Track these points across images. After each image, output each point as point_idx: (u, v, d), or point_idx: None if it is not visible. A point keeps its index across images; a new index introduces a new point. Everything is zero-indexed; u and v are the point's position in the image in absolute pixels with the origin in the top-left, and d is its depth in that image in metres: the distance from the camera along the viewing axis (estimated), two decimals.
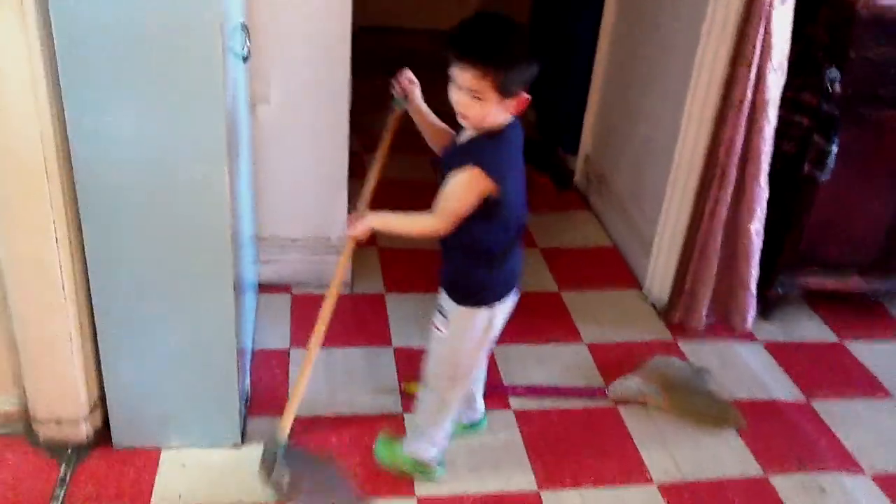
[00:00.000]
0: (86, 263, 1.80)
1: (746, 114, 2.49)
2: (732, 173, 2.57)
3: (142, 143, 1.67)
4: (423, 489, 2.06)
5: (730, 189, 2.59)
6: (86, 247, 1.77)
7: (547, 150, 4.01)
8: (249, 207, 2.45)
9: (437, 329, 1.89)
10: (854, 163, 2.65)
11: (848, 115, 2.55)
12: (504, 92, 1.60)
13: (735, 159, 2.55)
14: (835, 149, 2.60)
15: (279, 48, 2.46)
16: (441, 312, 1.87)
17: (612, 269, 3.19)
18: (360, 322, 2.70)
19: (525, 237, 3.32)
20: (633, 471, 2.21)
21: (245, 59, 2.00)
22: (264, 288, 2.78)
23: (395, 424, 2.25)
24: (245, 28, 1.98)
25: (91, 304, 1.85)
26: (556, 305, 2.91)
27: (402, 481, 2.07)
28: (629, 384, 2.48)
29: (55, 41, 1.55)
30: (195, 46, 1.59)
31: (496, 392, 2.40)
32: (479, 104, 1.61)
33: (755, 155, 2.54)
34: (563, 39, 4.01)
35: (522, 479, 2.14)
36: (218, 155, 1.70)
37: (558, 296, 2.96)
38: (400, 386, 2.40)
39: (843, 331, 2.92)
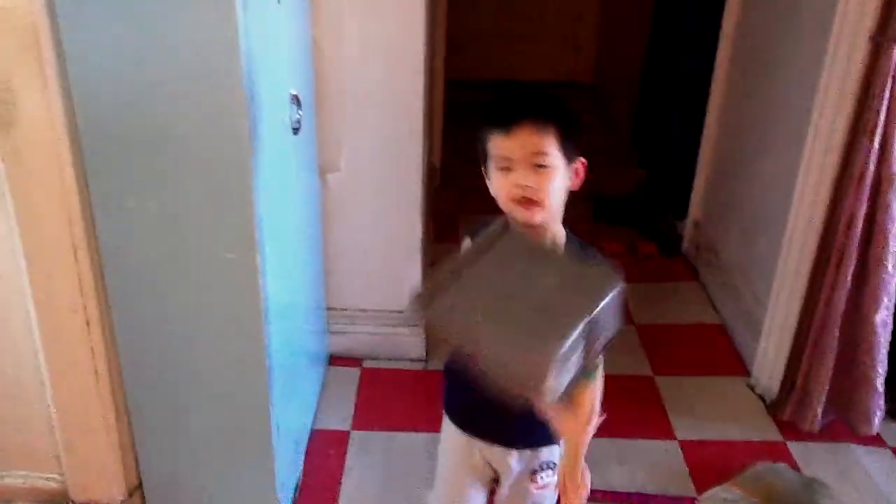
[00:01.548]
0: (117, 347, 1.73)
1: (868, 188, 2.17)
2: (852, 255, 2.24)
3: (167, 227, 1.58)
4: None
5: (849, 273, 2.25)
6: (115, 330, 1.70)
7: (656, 215, 3.74)
8: (312, 279, 2.34)
9: (546, 486, 1.56)
10: None
11: None
12: (568, 151, 1.31)
13: (855, 240, 2.22)
14: None
15: (349, 115, 2.37)
16: (545, 467, 1.55)
17: (717, 351, 2.87)
18: (429, 403, 2.51)
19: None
20: None
21: (296, 131, 1.90)
22: (335, 360, 2.66)
23: None
24: (296, 99, 1.88)
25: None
26: (648, 392, 2.62)
27: None
28: (725, 496, 2.17)
29: (78, 124, 1.50)
30: (220, 127, 1.50)
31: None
32: (548, 175, 1.29)
33: (880, 235, 2.20)
34: (675, 96, 3.75)
35: None
36: (248, 239, 1.59)
37: (651, 380, 2.68)
38: None
39: None
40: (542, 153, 1.29)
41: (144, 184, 1.54)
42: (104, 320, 1.71)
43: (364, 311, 2.63)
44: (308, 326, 2.32)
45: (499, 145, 1.30)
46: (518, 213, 1.31)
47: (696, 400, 2.60)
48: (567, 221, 1.41)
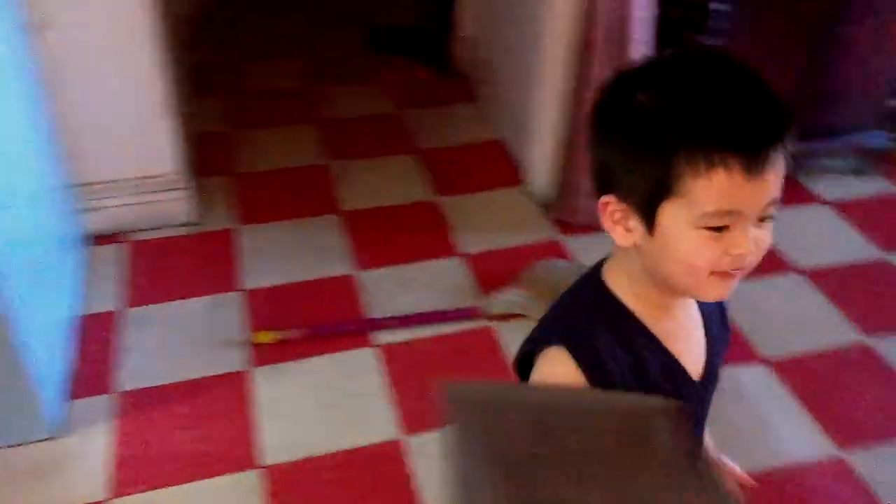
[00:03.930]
0: None
1: None
2: (603, 49, 2.24)
3: None
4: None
5: (600, 67, 2.27)
6: None
7: (431, 41, 3.59)
8: (38, 156, 2.08)
9: None
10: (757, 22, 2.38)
11: None
12: None
13: (602, 32, 2.22)
14: (723, 7, 2.32)
15: None
16: None
17: (497, 165, 2.88)
18: (204, 266, 2.39)
19: (402, 139, 3.03)
20: None
21: None
22: (97, 239, 2.44)
23: (237, 383, 1.99)
24: None
25: None
26: (431, 216, 2.61)
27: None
28: (504, 297, 2.23)
29: None
30: None
31: (358, 330, 2.14)
32: (771, 227, 0.84)
33: (628, 25, 2.21)
34: None
35: (384, 429, 1.90)
36: None
37: (432, 204, 2.66)
38: (248, 336, 2.12)
39: None
40: (776, 200, 0.82)
41: None
42: None
43: (116, 181, 2.40)
44: (45, 210, 2.09)
45: (726, 192, 0.78)
46: (712, 291, 0.86)
47: (479, 215, 2.62)
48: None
